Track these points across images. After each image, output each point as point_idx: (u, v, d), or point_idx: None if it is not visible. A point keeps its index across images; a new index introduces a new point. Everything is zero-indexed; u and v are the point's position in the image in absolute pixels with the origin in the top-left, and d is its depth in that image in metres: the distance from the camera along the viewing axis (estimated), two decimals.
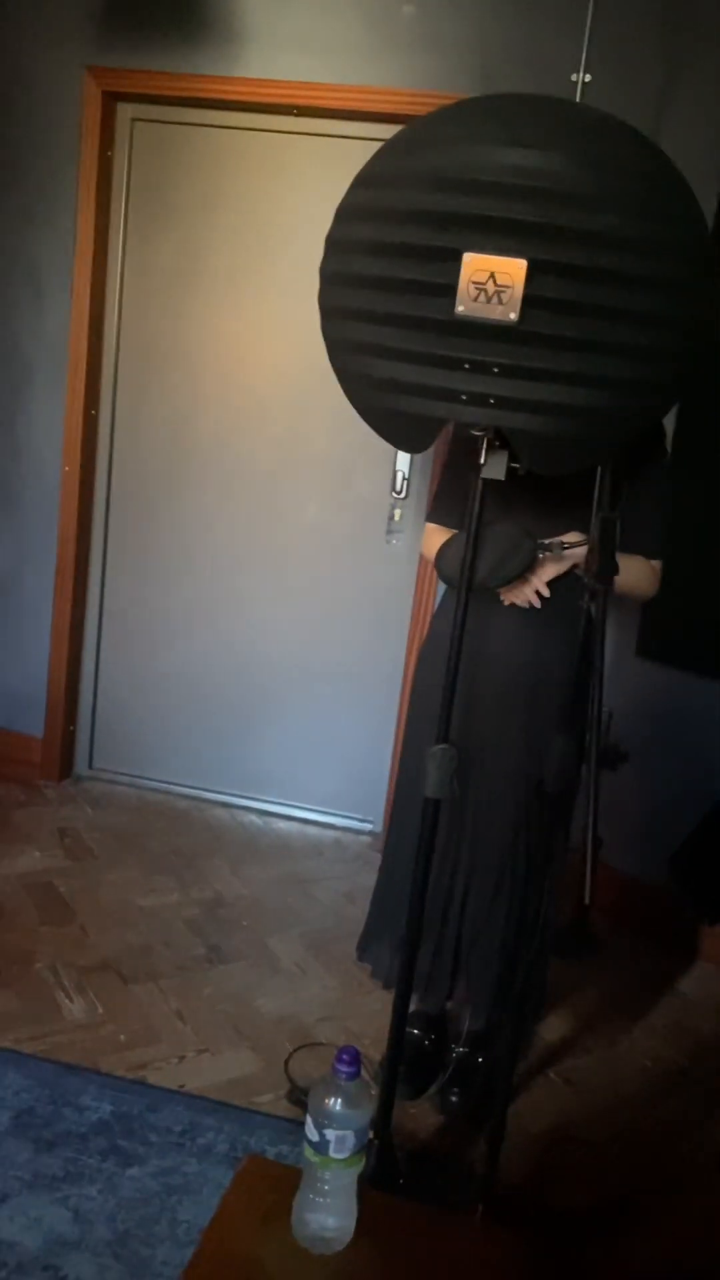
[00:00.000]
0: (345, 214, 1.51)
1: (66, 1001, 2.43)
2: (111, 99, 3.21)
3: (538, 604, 1.94)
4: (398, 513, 3.27)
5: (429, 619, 2.58)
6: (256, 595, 3.44)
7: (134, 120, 3.26)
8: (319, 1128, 1.32)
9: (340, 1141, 1.31)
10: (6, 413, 3.42)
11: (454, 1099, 2.21)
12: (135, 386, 3.41)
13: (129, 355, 3.39)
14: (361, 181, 1.51)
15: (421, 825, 1.76)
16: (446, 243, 1.35)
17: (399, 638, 3.34)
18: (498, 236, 1.33)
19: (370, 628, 3.38)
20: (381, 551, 3.31)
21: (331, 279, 1.52)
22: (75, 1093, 2.13)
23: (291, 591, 3.42)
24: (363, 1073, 1.37)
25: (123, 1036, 2.33)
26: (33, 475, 3.43)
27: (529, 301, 1.33)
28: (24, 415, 3.41)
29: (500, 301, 1.31)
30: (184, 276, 3.31)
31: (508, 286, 1.30)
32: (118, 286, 3.35)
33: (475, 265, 1.31)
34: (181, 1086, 2.18)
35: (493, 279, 1.31)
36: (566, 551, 1.86)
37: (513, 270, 1.29)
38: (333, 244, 1.51)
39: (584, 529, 1.86)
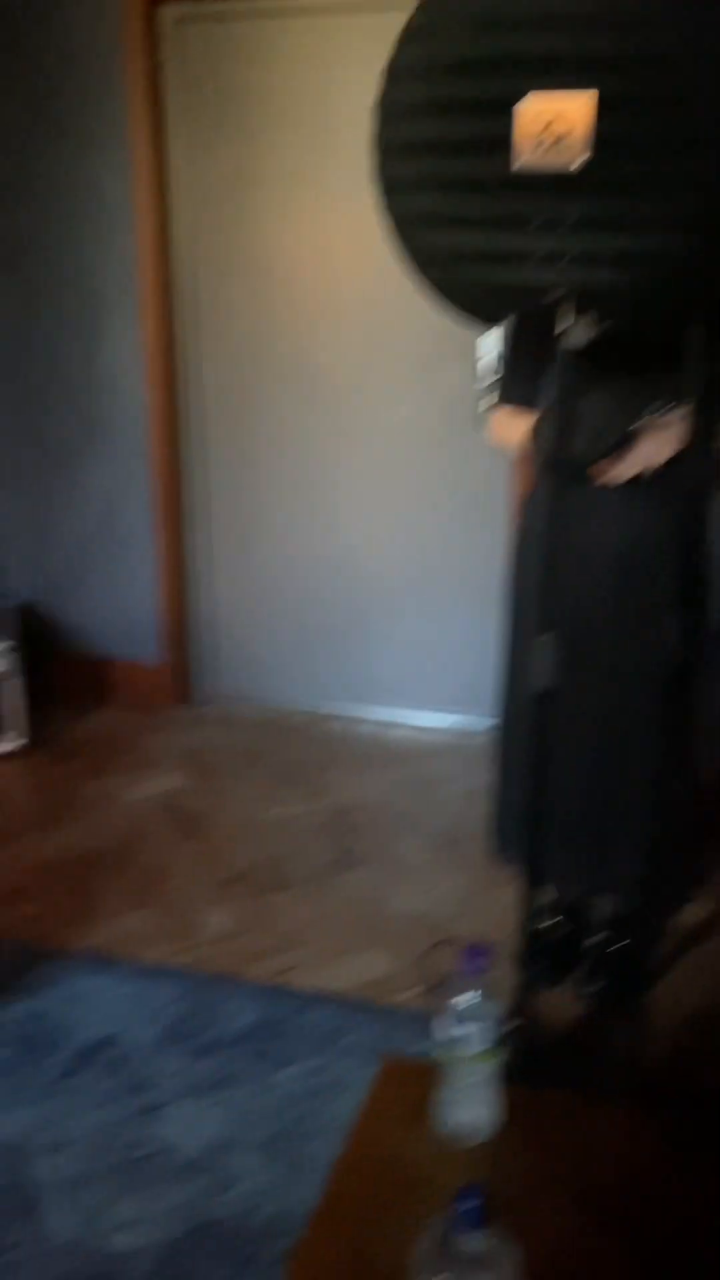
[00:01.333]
0: (391, 73, 1.40)
1: (207, 915, 2.50)
2: (151, 2, 3.08)
3: (635, 477, 1.84)
4: (487, 400, 3.14)
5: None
6: (352, 503, 3.39)
7: (177, 22, 3.13)
8: (451, 1025, 1.31)
9: (472, 1037, 1.30)
10: (87, 346, 3.41)
11: (595, 986, 2.20)
12: (209, 303, 3.35)
13: (199, 271, 3.33)
14: (406, 35, 1.39)
15: (536, 717, 1.72)
16: (498, 91, 1.23)
17: (499, 529, 3.25)
18: (553, 74, 1.21)
19: (469, 522, 3.29)
20: (474, 442, 3.20)
21: (383, 149, 1.42)
22: (222, 1001, 2.20)
23: (386, 494, 3.35)
24: (494, 968, 1.36)
25: (262, 945, 2.39)
26: (119, 406, 3.43)
27: (593, 143, 1.21)
28: (104, 346, 3.39)
29: (561, 148, 1.20)
30: (246, 182, 3.20)
31: (567, 131, 1.19)
32: (180, 201, 3.27)
33: (531, 112, 1.20)
34: (323, 990, 2.23)
35: (550, 125, 1.19)
36: (663, 419, 1.75)
37: (571, 111, 1.18)
38: (380, 108, 1.40)
39: (678, 395, 1.73)
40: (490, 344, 3.06)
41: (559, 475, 1.58)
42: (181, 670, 3.67)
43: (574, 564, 1.87)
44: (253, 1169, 1.78)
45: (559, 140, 1.22)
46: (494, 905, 2.49)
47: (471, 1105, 1.35)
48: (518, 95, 1.24)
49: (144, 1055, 2.05)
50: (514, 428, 1.92)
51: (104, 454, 3.49)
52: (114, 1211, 1.70)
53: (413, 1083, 1.44)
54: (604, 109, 1.22)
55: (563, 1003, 2.19)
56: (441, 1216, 1.00)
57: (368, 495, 3.37)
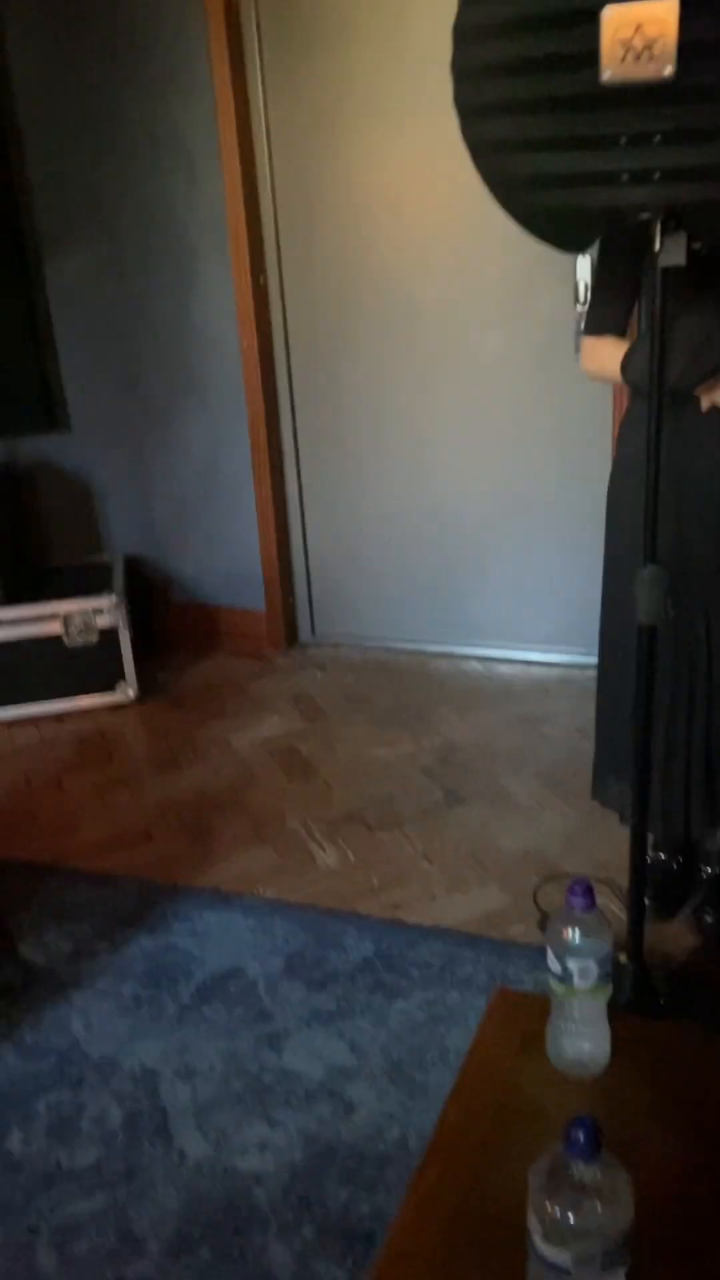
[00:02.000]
0: None
1: (320, 852, 2.56)
2: None
3: None
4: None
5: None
6: (448, 438, 3.36)
7: None
8: (560, 959, 1.33)
9: (582, 972, 1.31)
10: (178, 295, 3.43)
11: (709, 918, 2.18)
12: (296, 244, 3.32)
13: (286, 213, 3.30)
14: None
15: (639, 653, 1.69)
16: (581, 1, 1.18)
17: (599, 460, 3.17)
18: None
19: (568, 453, 3.22)
20: (572, 370, 3.12)
21: (462, 73, 1.38)
22: (337, 935, 2.26)
23: (483, 428, 3.31)
24: (603, 902, 1.36)
25: (375, 880, 2.44)
26: (213, 355, 3.45)
27: (685, 50, 1.15)
28: (196, 296, 3.41)
29: (651, 57, 1.14)
30: (328, 117, 3.15)
31: (657, 37, 1.13)
32: (265, 142, 3.24)
33: (617, 19, 1.15)
34: (436, 923, 2.27)
35: (639, 31, 1.14)
36: None
37: (660, 12, 1.12)
38: (458, 31, 1.36)
39: None
40: (586, 268, 2.97)
41: (657, 401, 1.53)
42: (286, 616, 3.72)
43: (674, 493, 1.82)
44: (373, 1096, 1.84)
45: (649, 46, 1.16)
46: (604, 840, 2.49)
47: (583, 1038, 1.37)
48: (601, 3, 1.19)
49: (266, 987, 2.13)
50: (608, 356, 1.86)
51: (201, 405, 3.53)
52: (242, 1135, 1.79)
53: (525, 1015, 1.47)
54: (689, 11, 1.15)
55: (676, 935, 2.18)
56: (555, 1145, 1.02)
57: (463, 429, 3.33)
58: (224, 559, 3.71)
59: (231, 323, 3.38)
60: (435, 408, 3.33)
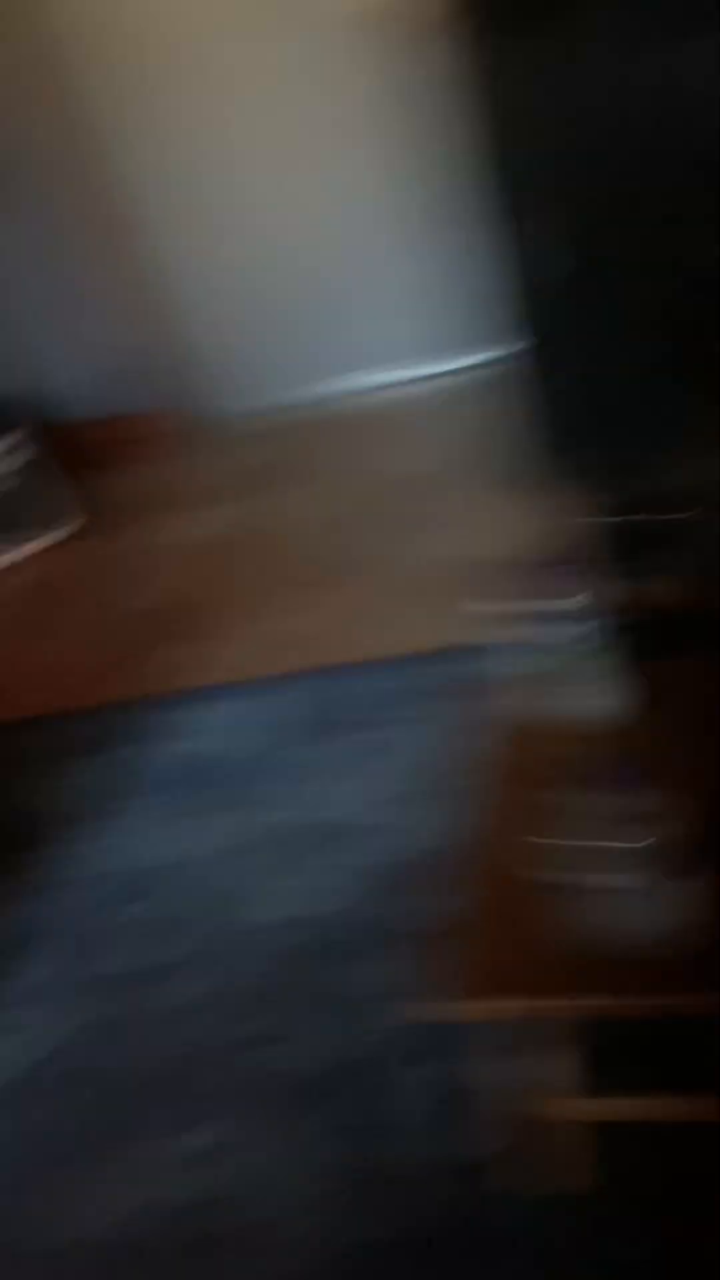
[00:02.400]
0: None
1: (298, 618, 2.54)
2: None
3: None
4: None
5: None
6: (257, 180, 3.09)
7: None
8: (554, 629, 1.32)
9: (579, 634, 1.31)
10: None
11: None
12: None
13: None
14: None
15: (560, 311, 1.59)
16: None
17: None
18: None
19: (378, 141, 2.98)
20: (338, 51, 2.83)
21: None
22: (345, 685, 2.29)
23: (295, 150, 3.03)
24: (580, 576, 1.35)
25: (361, 627, 2.44)
26: None
27: None
28: None
29: None
30: None
31: None
32: None
33: None
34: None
35: None
36: None
37: None
38: None
39: None
40: None
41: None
42: (184, 406, 3.53)
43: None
44: (420, 820, 1.91)
45: None
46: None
47: (598, 694, 1.39)
48: None
49: (285, 756, 2.17)
50: None
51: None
52: (308, 886, 1.87)
53: (529, 700, 1.47)
54: None
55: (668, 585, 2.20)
56: (596, 787, 1.05)
57: (270, 165, 3.08)
58: (106, 358, 3.48)
59: None
60: (234, 151, 3.08)
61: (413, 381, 3.35)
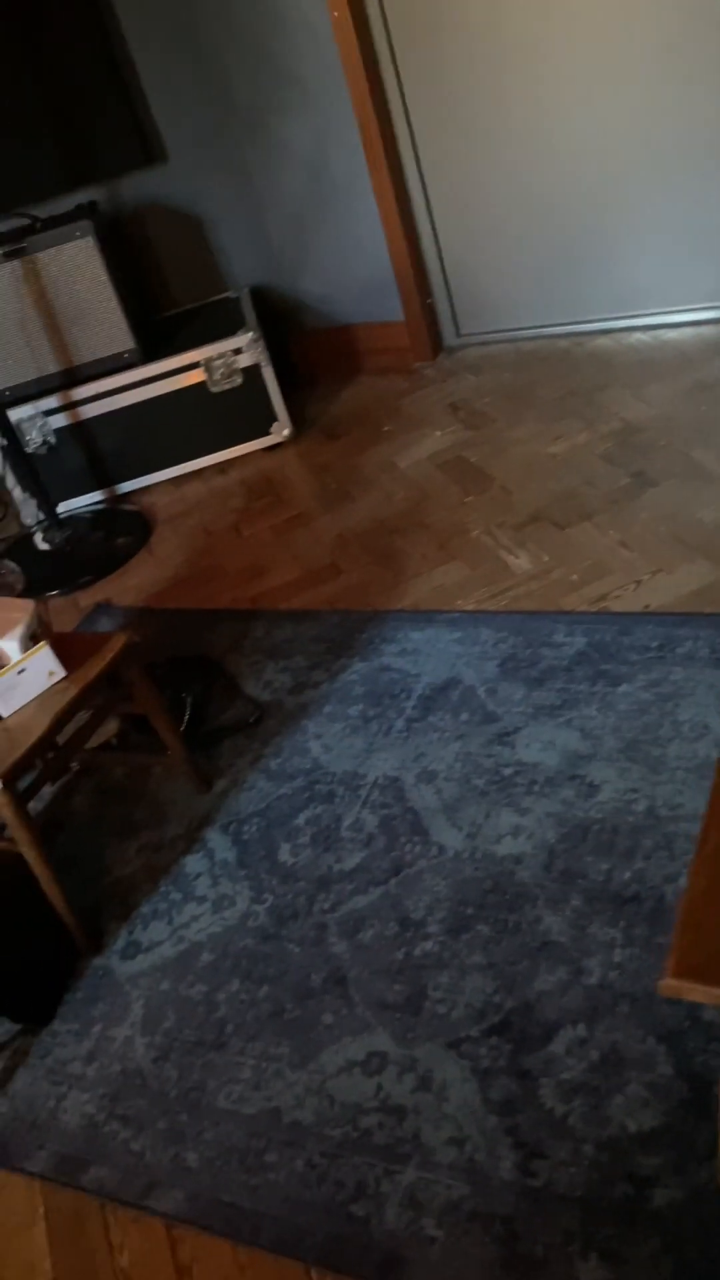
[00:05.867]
0: None
1: (511, 558, 2.53)
2: None
3: None
4: None
5: None
6: (575, 85, 2.95)
7: None
8: None
9: None
10: None
11: None
12: None
13: None
14: None
15: None
16: None
17: None
18: None
19: (708, 77, 2.79)
20: None
21: None
22: (546, 634, 2.26)
23: (616, 66, 2.88)
24: None
25: (574, 576, 2.40)
26: (301, 37, 3.08)
27: None
28: None
29: None
30: None
31: None
32: None
33: None
34: (646, 607, 2.24)
35: None
36: None
37: None
38: None
39: None
40: None
41: None
42: (430, 320, 3.51)
43: None
44: (614, 774, 1.89)
45: None
46: None
47: None
48: None
49: (486, 690, 2.17)
50: None
51: (298, 99, 3.20)
52: (493, 824, 1.88)
53: None
54: None
55: None
56: None
57: (591, 70, 2.91)
58: (352, 271, 3.48)
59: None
60: (555, 46, 2.90)
61: (685, 325, 3.21)
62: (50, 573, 3.13)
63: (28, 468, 3.11)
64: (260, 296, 3.59)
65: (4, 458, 3.19)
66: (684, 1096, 1.41)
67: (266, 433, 3.35)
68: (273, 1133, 1.55)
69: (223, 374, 3.23)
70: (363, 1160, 1.48)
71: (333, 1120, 1.54)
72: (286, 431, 3.35)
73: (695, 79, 2.82)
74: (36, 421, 3.21)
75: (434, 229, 3.36)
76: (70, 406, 3.22)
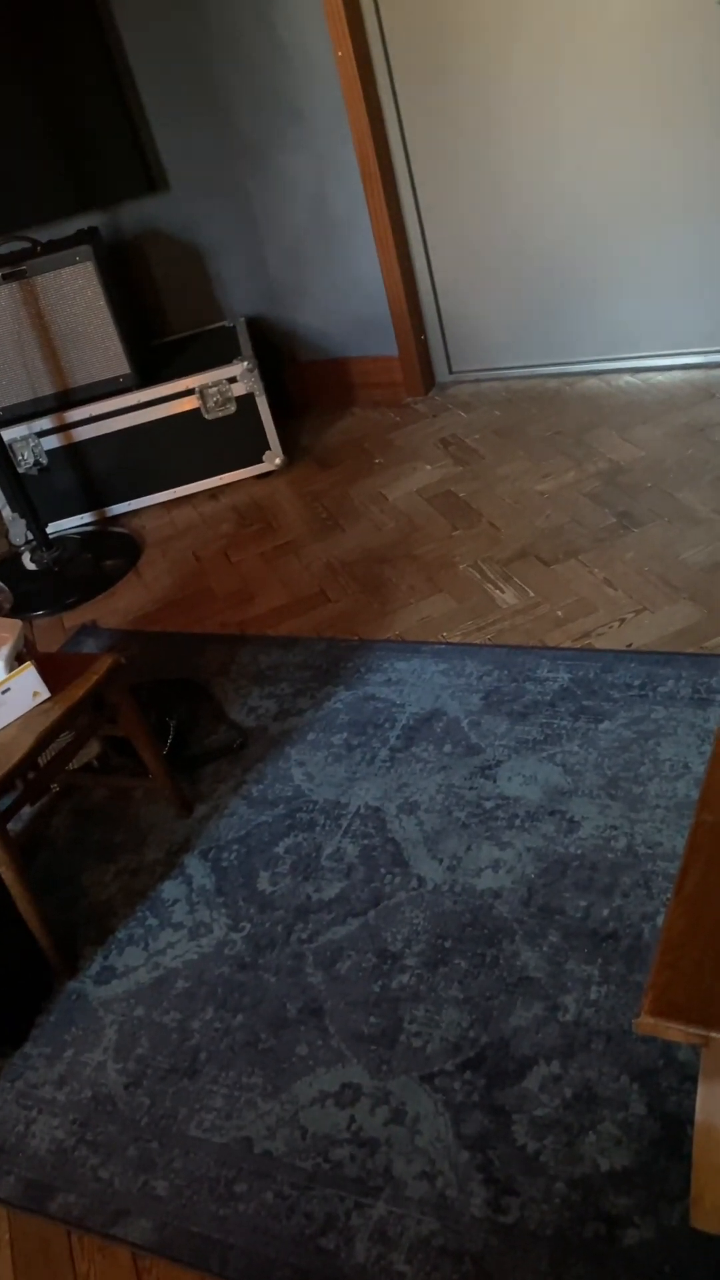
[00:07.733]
0: None
1: (497, 592, 2.55)
2: None
3: None
4: None
5: None
6: (571, 133, 3.01)
7: None
8: None
9: None
10: (257, 5, 3.09)
11: None
12: None
13: None
14: None
15: None
16: None
17: None
18: None
19: (714, 128, 2.86)
20: (718, 25, 2.71)
21: None
22: (530, 669, 2.28)
23: (610, 112, 2.94)
24: None
25: (559, 612, 2.42)
26: (306, 73, 3.13)
27: None
28: (278, 5, 3.06)
29: None
30: None
31: None
32: None
33: None
34: (629, 646, 2.26)
35: None
36: None
37: None
38: None
39: None
40: None
41: None
42: (420, 356, 3.55)
43: None
44: (594, 810, 1.90)
45: None
46: None
47: None
48: None
49: (469, 723, 2.18)
50: None
51: (300, 133, 3.25)
52: (473, 857, 1.88)
53: None
54: None
55: None
56: None
57: (586, 116, 2.97)
58: (348, 305, 3.53)
59: (321, 31, 3.04)
60: (554, 92, 2.97)
61: (674, 368, 3.26)
62: (37, 592, 3.13)
63: (18, 488, 3.12)
64: (256, 326, 3.62)
65: None
66: (656, 1136, 1.41)
67: (259, 460, 3.37)
68: (243, 1163, 1.54)
69: (217, 401, 3.25)
70: (333, 1193, 1.47)
71: (304, 1151, 1.53)
72: (279, 460, 3.37)
73: (685, 128, 2.88)
74: (29, 442, 3.23)
75: (430, 267, 3.41)
76: (64, 428, 3.24)
